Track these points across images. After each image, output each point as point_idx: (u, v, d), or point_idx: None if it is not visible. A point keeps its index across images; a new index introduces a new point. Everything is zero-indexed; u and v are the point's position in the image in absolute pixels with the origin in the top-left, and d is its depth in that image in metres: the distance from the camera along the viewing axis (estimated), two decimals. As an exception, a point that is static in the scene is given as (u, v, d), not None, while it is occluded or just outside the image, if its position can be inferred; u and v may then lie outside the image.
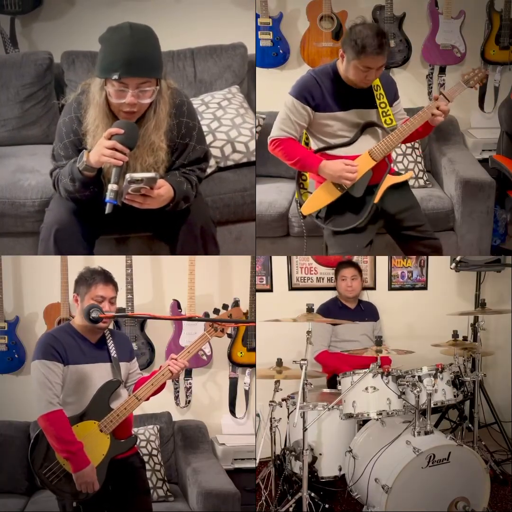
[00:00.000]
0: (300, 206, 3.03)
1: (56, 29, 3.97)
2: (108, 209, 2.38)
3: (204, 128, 3.15)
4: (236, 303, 2.56)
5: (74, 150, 2.61)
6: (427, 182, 3.79)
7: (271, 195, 3.50)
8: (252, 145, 3.41)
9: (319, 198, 2.96)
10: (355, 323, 3.52)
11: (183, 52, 3.76)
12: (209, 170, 3.24)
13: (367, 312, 3.73)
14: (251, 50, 3.88)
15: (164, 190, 2.53)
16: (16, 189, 3.17)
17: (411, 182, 3.63)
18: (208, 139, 3.29)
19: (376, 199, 2.90)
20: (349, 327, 3.55)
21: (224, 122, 3.46)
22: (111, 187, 2.40)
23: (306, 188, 3.10)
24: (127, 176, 2.42)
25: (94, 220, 2.64)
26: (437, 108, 2.80)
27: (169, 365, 2.36)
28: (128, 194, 2.46)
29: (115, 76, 2.40)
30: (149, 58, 2.47)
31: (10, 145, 3.64)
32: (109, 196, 2.39)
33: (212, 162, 3.30)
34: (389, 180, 2.93)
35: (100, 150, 2.42)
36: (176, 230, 2.71)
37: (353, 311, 3.67)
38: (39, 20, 3.98)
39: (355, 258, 3.85)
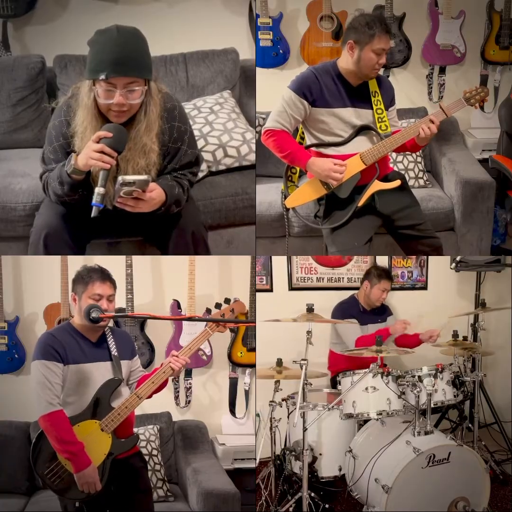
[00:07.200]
0: (285, 198, 3.04)
1: (49, 32, 3.95)
2: (94, 212, 2.38)
3: (196, 133, 3.15)
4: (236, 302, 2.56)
5: (64, 153, 2.60)
6: (427, 182, 3.79)
7: (271, 195, 3.50)
8: (244, 150, 3.42)
9: (304, 193, 2.97)
10: (363, 325, 3.51)
11: (175, 57, 3.77)
12: (200, 175, 3.24)
13: (381, 313, 3.70)
14: (243, 55, 3.88)
15: (156, 194, 2.52)
16: (7, 193, 3.15)
17: (411, 182, 3.63)
18: (200, 143, 3.30)
19: (361, 202, 2.91)
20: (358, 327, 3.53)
21: (216, 127, 3.46)
22: (98, 190, 2.39)
23: (294, 181, 3.11)
24: (119, 178, 2.42)
25: (85, 225, 2.61)
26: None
27: (170, 362, 2.35)
28: (120, 197, 2.45)
29: (102, 76, 2.40)
30: (136, 58, 2.47)
31: (1, 148, 3.62)
32: (95, 199, 2.38)
33: (203, 166, 3.30)
34: (376, 186, 2.94)
35: (88, 153, 2.41)
36: (167, 234, 2.70)
37: (369, 312, 3.63)
38: (32, 24, 3.95)
39: (355, 258, 3.85)
